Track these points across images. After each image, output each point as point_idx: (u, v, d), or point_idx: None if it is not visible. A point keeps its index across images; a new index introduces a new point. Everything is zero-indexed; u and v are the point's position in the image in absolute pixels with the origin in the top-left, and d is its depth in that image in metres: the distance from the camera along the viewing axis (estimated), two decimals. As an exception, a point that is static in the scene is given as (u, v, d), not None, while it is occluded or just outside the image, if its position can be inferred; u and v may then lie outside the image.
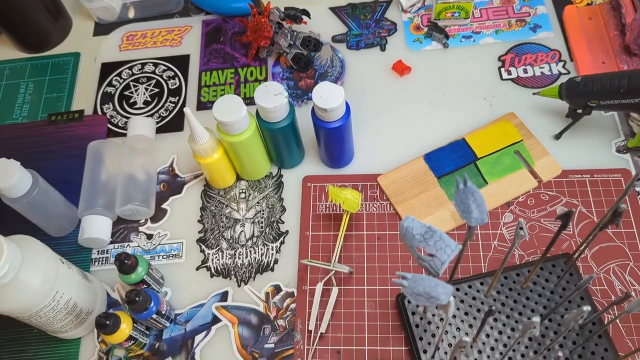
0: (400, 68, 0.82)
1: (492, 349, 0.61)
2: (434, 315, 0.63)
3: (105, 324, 0.60)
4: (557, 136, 0.74)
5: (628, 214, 0.68)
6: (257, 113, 0.68)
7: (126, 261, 0.63)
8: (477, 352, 0.60)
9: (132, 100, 0.85)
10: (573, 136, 0.75)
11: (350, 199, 0.67)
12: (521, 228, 0.47)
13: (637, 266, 0.66)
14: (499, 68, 0.81)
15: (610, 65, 0.78)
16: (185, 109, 0.63)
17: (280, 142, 0.71)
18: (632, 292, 0.64)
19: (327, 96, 0.65)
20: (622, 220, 0.68)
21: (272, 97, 0.65)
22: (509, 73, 0.80)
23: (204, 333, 0.67)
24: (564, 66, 0.80)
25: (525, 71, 0.80)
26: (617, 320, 0.63)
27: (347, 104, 0.68)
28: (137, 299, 0.61)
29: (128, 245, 0.74)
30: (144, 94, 0.85)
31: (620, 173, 0.71)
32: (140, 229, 0.75)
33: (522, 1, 0.86)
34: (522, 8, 0.85)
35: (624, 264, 0.66)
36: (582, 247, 0.57)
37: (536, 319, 0.43)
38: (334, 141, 0.70)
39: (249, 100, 0.82)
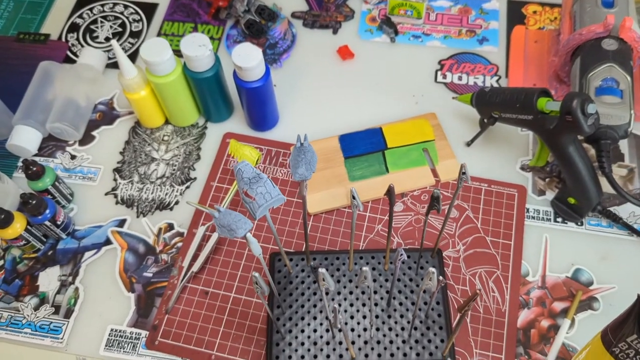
0: (344, 53, 0.85)
1: (352, 317, 0.64)
2: (297, 277, 0.67)
3: (-4, 216, 0.66)
4: (468, 143, 0.77)
5: (510, 227, 0.71)
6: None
7: (32, 167, 0.69)
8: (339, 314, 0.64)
9: (95, 34, 0.91)
10: (485, 147, 0.77)
11: (247, 155, 0.71)
12: (354, 197, 0.51)
13: (503, 276, 0.68)
14: (436, 71, 0.84)
15: (540, 88, 0.80)
16: (112, 41, 0.69)
17: (205, 92, 0.75)
18: (479, 292, 0.67)
19: (245, 56, 0.69)
20: (503, 231, 0.71)
21: (197, 47, 0.70)
22: (444, 77, 0.83)
23: (94, 251, 0.73)
24: (497, 81, 0.82)
25: (459, 78, 0.83)
26: (468, 320, 0.66)
27: (267, 67, 0.72)
28: (30, 201, 0.66)
29: (52, 160, 0.80)
30: (108, 30, 0.91)
31: (516, 189, 0.74)
32: (67, 148, 0.81)
33: (478, 13, 0.88)
34: (477, 20, 0.88)
35: (492, 271, 0.69)
36: (438, 239, 0.60)
37: (365, 268, 0.47)
38: (254, 102, 0.75)
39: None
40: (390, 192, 0.50)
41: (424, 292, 0.66)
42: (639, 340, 0.46)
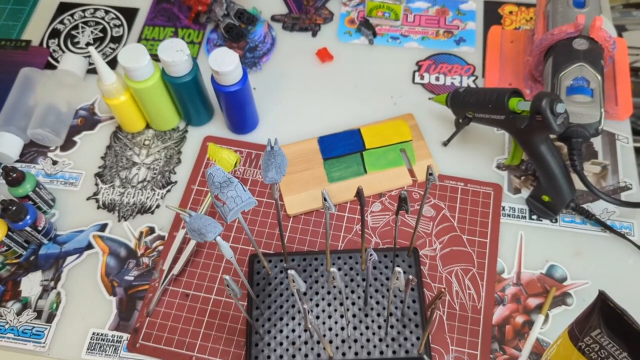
0: (323, 55, 0.86)
1: (330, 316, 0.65)
2: (275, 278, 0.68)
3: (-24, 223, 0.66)
4: (445, 143, 0.78)
5: (486, 225, 0.72)
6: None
7: (12, 173, 0.70)
8: (315, 318, 0.65)
9: (76, 40, 0.91)
10: (462, 146, 0.78)
11: (226, 159, 0.72)
12: (325, 199, 0.52)
13: (479, 273, 0.69)
14: (414, 72, 0.85)
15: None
16: (90, 48, 0.69)
17: (184, 97, 0.76)
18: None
19: (222, 60, 0.70)
20: (479, 229, 0.72)
21: (174, 52, 0.71)
22: (422, 78, 0.84)
23: (76, 255, 0.73)
24: (474, 81, 0.83)
25: (437, 79, 0.84)
26: (444, 318, 0.67)
27: (244, 70, 0.73)
28: (10, 207, 0.67)
29: (34, 167, 0.80)
30: (89, 36, 0.92)
31: (492, 187, 0.75)
32: (49, 154, 0.81)
33: (455, 14, 0.90)
34: (454, 21, 0.89)
35: (468, 268, 0.70)
36: (413, 238, 0.61)
37: (334, 269, 0.48)
38: (233, 106, 0.75)
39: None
40: (359, 194, 0.51)
41: (400, 290, 0.67)
42: (603, 334, 0.48)
